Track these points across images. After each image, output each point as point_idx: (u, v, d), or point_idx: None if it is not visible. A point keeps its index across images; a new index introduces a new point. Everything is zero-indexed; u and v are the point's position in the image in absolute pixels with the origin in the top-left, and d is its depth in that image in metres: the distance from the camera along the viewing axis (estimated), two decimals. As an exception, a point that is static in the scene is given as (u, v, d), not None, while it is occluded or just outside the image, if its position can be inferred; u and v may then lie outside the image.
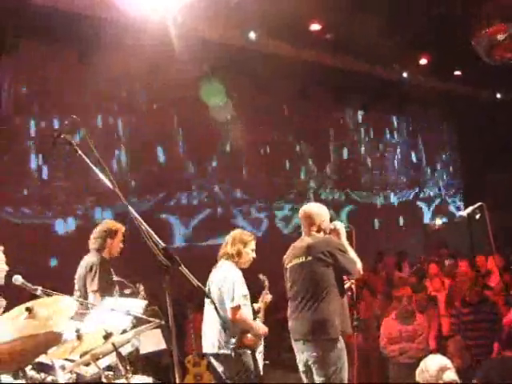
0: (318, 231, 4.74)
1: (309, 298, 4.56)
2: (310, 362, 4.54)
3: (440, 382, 3.70)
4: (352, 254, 4.66)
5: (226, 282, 4.61)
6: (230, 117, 10.58)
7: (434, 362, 3.82)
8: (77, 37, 7.84)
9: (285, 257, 4.86)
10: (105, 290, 4.83)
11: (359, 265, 4.62)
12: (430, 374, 3.75)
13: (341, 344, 4.51)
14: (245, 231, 5.00)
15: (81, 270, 5.08)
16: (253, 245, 4.86)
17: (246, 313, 4.65)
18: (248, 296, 4.72)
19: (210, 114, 10.31)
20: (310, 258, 4.58)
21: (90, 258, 5.11)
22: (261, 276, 5.12)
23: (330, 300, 4.51)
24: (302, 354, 4.60)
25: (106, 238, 5.14)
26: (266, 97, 11.28)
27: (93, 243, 5.17)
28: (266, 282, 5.12)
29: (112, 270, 5.13)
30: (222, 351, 4.58)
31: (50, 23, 7.34)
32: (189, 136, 10.41)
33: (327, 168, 12.86)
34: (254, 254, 4.87)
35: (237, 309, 4.55)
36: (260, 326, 4.76)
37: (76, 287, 5.07)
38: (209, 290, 4.70)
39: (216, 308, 4.57)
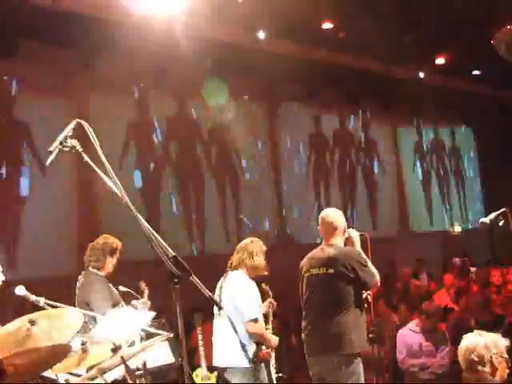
0: (334, 239, 4.71)
1: (327, 311, 4.54)
2: (323, 376, 4.51)
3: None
4: (371, 265, 4.64)
5: (243, 294, 4.61)
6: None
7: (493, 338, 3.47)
8: (81, 39, 7.87)
9: (302, 265, 4.83)
10: (108, 307, 4.72)
11: (377, 277, 4.61)
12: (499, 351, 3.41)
13: (357, 360, 4.48)
14: (260, 241, 4.98)
15: (81, 293, 4.95)
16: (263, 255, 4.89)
17: (262, 325, 4.67)
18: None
19: (212, 113, 10.30)
20: (331, 271, 4.55)
21: (88, 279, 4.98)
22: (263, 285, 5.11)
23: (348, 314, 4.49)
24: (316, 368, 4.58)
25: (106, 255, 5.01)
26: (274, 97, 11.33)
27: (92, 261, 5.01)
28: (270, 292, 5.13)
29: (111, 285, 5.07)
30: (236, 365, 4.57)
31: (54, 25, 7.38)
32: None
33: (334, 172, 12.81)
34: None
35: (255, 321, 4.55)
36: (272, 338, 4.76)
37: (76, 305, 5.00)
38: (220, 301, 4.67)
39: (230, 320, 4.56)
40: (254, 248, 4.84)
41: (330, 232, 4.72)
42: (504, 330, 4.82)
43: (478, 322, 6.80)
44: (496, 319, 6.68)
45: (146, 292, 5.43)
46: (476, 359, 3.36)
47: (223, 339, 4.68)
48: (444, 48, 10.94)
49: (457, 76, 12.64)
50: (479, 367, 3.35)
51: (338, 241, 4.72)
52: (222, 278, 4.84)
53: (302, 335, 4.72)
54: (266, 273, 4.87)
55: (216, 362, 4.78)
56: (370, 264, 4.65)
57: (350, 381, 4.41)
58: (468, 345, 3.44)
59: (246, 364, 4.56)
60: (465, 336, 3.53)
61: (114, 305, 4.84)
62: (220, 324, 4.72)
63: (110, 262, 5.05)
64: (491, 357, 3.34)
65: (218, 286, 4.81)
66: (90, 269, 5.04)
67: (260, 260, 4.80)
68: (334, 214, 4.81)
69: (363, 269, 4.53)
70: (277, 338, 4.82)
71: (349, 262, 4.52)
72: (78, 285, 5.04)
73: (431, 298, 7.69)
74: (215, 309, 4.63)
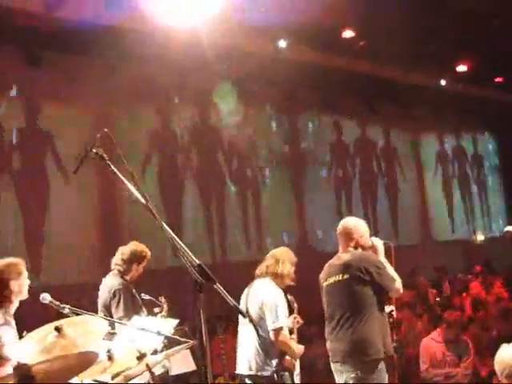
0: (356, 247, 4.68)
1: (347, 317, 4.47)
2: (350, 382, 4.48)
3: None
4: (391, 271, 4.60)
5: (269, 302, 4.58)
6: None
7: None
8: (104, 49, 7.97)
9: (321, 275, 4.81)
10: (131, 314, 4.76)
11: (398, 283, 4.53)
12: None
13: (381, 365, 4.43)
14: (290, 250, 4.97)
15: (104, 295, 5.02)
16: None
17: (287, 334, 4.63)
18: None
19: (221, 116, 10.35)
20: (346, 276, 4.49)
21: (112, 282, 5.03)
22: (288, 296, 5.06)
23: (370, 319, 4.42)
24: (341, 375, 4.54)
25: (133, 262, 5.08)
26: (295, 106, 11.35)
27: (118, 265, 5.09)
28: (295, 304, 5.08)
29: (134, 291, 5.11)
30: (260, 373, 4.55)
31: (77, 36, 7.48)
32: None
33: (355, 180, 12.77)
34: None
35: (280, 330, 4.53)
36: (297, 347, 4.73)
37: (99, 308, 5.05)
38: (247, 308, 4.67)
39: (255, 328, 4.55)
40: (282, 256, 4.83)
41: (347, 240, 4.66)
42: None
43: (499, 333, 6.71)
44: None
45: (165, 307, 5.44)
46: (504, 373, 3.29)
47: (247, 347, 4.67)
48: (465, 55, 10.88)
49: (479, 83, 12.55)
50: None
51: (362, 247, 4.66)
52: (248, 286, 4.85)
53: (327, 343, 4.69)
54: (293, 283, 4.85)
55: (239, 370, 4.76)
56: (390, 270, 4.59)
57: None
58: (498, 358, 3.37)
59: (269, 372, 4.53)
60: (504, 347, 3.46)
61: (135, 310, 4.85)
62: (245, 332, 4.71)
63: (136, 270, 5.11)
64: None
65: (244, 293, 4.80)
66: (116, 272, 5.09)
67: (287, 269, 4.77)
68: (352, 223, 4.76)
69: (379, 272, 4.46)
70: (302, 347, 4.79)
71: (363, 265, 4.46)
72: (101, 287, 5.09)
73: (453, 308, 7.62)
74: (240, 317, 4.61)
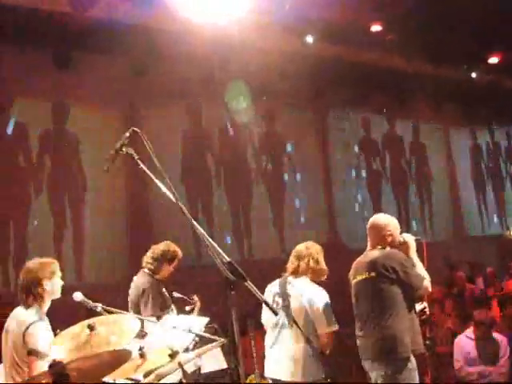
0: (385, 244, 4.64)
1: (375, 315, 4.44)
2: (379, 381, 4.45)
3: None
4: (419, 268, 4.51)
5: (319, 303, 4.51)
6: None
7: None
8: (133, 49, 8.03)
9: (350, 272, 4.75)
10: (159, 312, 4.82)
11: (427, 281, 4.47)
12: None
13: (412, 364, 4.37)
14: (316, 243, 4.91)
15: (133, 292, 5.08)
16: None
17: None
18: None
19: (234, 117, 10.33)
20: (373, 274, 4.46)
21: (142, 280, 5.10)
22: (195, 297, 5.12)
23: (398, 317, 4.37)
24: (372, 373, 4.52)
25: (164, 262, 5.12)
26: (323, 102, 11.29)
27: (149, 263, 5.14)
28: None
29: (164, 289, 5.15)
30: (313, 379, 4.44)
31: (107, 36, 7.55)
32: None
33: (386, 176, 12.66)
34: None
35: (333, 333, 4.49)
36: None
37: (129, 306, 5.10)
38: (289, 310, 4.55)
39: (300, 330, 4.45)
40: (317, 252, 4.77)
41: (376, 237, 4.62)
42: None
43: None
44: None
45: (198, 304, 5.45)
46: None
47: (290, 352, 4.51)
48: (497, 47, 10.69)
49: (511, 75, 12.32)
50: None
51: (390, 245, 4.60)
52: (277, 285, 4.74)
53: (357, 341, 4.67)
54: (326, 277, 4.80)
55: (274, 374, 4.60)
56: (420, 267, 4.53)
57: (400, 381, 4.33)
58: None
59: (321, 376, 4.46)
60: None
61: (163, 309, 4.90)
62: (284, 335, 4.56)
63: (166, 269, 5.15)
64: None
65: (274, 292, 4.69)
66: (146, 270, 5.15)
67: (323, 264, 4.75)
68: (381, 219, 4.70)
69: (406, 270, 4.40)
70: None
71: (389, 263, 4.41)
72: (131, 285, 5.15)
73: (485, 306, 7.51)
74: (272, 318, 4.52)
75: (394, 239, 4.63)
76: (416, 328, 4.49)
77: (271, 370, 4.66)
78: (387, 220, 4.70)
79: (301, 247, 4.82)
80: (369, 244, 4.69)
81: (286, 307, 4.55)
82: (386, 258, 4.47)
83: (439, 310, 7.70)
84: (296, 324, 4.47)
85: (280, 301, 4.59)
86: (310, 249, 4.78)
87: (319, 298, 4.53)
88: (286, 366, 4.52)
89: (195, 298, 5.49)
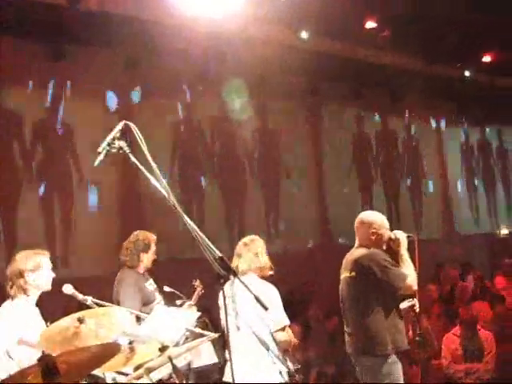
0: (369, 242, 4.64)
1: (354, 314, 4.51)
2: (363, 375, 4.50)
3: None
4: (406, 267, 4.51)
5: (269, 301, 3.95)
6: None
7: None
8: (127, 41, 8.00)
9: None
10: (137, 308, 4.68)
11: (410, 279, 4.45)
12: None
13: (392, 359, 4.40)
14: (260, 239, 4.66)
15: (115, 289, 5.02)
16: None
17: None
18: None
19: (229, 111, 10.31)
20: (353, 274, 4.51)
21: (121, 276, 5.04)
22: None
23: (376, 317, 4.40)
24: (357, 367, 4.58)
25: (140, 252, 5.03)
26: (317, 97, 11.29)
27: (126, 260, 5.05)
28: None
29: (152, 281, 5.11)
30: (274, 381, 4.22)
31: (100, 28, 7.52)
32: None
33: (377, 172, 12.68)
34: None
35: (285, 329, 4.33)
36: (294, 340, 4.54)
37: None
38: (236, 311, 4.27)
39: (254, 331, 4.25)
40: (257, 247, 4.53)
41: (363, 234, 4.63)
42: None
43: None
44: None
45: (198, 291, 5.37)
46: None
47: (249, 354, 4.23)
48: (491, 45, 10.72)
49: (504, 74, 12.36)
50: None
51: (374, 243, 4.61)
52: (227, 286, 3.93)
53: (345, 335, 4.72)
54: (271, 272, 4.55)
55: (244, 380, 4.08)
56: (408, 266, 4.51)
57: (386, 381, 4.35)
58: None
59: (283, 379, 4.28)
60: None
61: (145, 304, 4.85)
62: (241, 337, 4.23)
63: (146, 258, 5.06)
64: None
65: (228, 294, 4.11)
66: (125, 266, 5.08)
67: (265, 259, 4.52)
68: (368, 217, 4.70)
69: (385, 270, 4.41)
70: (297, 341, 4.59)
71: (368, 264, 4.43)
72: (115, 282, 5.09)
73: (470, 304, 7.58)
74: (233, 321, 4.22)
75: (381, 237, 4.62)
76: (398, 327, 4.49)
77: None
78: (373, 218, 4.69)
79: (239, 244, 4.62)
80: (356, 241, 4.71)
81: (235, 309, 4.28)
82: (365, 258, 4.49)
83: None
84: (246, 325, 4.26)
85: (230, 302, 4.24)
86: (248, 245, 4.55)
87: (266, 295, 4.05)
88: (242, 369, 4.10)
89: (197, 282, 5.41)
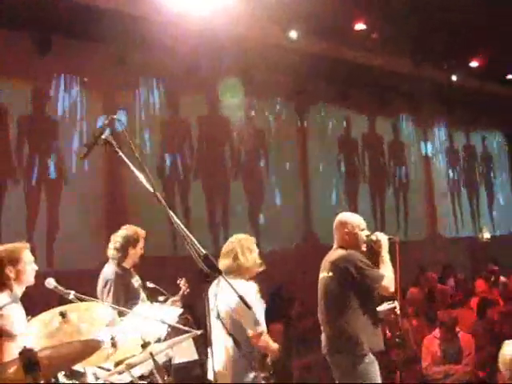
0: (345, 243, 4.67)
1: (329, 314, 4.55)
2: (338, 376, 4.53)
3: None
4: (385, 268, 4.54)
5: (242, 305, 3.75)
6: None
7: None
8: (115, 36, 7.96)
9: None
10: (122, 303, 4.63)
11: (386, 281, 4.48)
12: None
13: (369, 359, 4.43)
14: (244, 236, 4.51)
15: (99, 283, 4.98)
16: (256, 249, 4.45)
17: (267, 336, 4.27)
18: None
19: (224, 111, 10.32)
20: (330, 274, 4.54)
21: (107, 270, 5.00)
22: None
23: (353, 317, 4.44)
24: (332, 367, 4.60)
25: (128, 247, 4.98)
26: (304, 97, 11.31)
27: (113, 254, 5.01)
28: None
29: (138, 277, 5.09)
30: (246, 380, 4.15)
31: (88, 22, 7.48)
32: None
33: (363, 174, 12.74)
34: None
35: (262, 334, 4.18)
36: (275, 346, 4.35)
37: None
38: (217, 310, 4.22)
39: (231, 333, 4.16)
40: (239, 247, 4.35)
41: (340, 234, 4.67)
42: None
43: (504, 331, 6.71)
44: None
45: (183, 290, 5.31)
46: None
47: (223, 354, 4.18)
48: (478, 51, 10.81)
49: (491, 80, 12.47)
50: None
51: (350, 244, 4.65)
52: (214, 285, 4.15)
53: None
54: (262, 268, 4.40)
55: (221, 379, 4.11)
56: (387, 268, 4.54)
57: (360, 381, 4.37)
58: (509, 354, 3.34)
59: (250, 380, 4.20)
60: (507, 343, 3.44)
61: (127, 300, 4.80)
62: (220, 336, 4.17)
63: (134, 254, 5.02)
64: None
65: (212, 293, 4.14)
66: (112, 260, 5.03)
67: (250, 257, 4.34)
68: (344, 217, 4.74)
69: (361, 272, 4.44)
70: (277, 346, 4.37)
71: (345, 265, 4.47)
72: (100, 276, 5.04)
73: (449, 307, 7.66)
74: (213, 316, 4.16)
75: (356, 238, 4.65)
76: (373, 328, 4.52)
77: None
78: (348, 219, 4.73)
79: (225, 244, 4.48)
80: (334, 242, 4.74)
81: (216, 310, 4.22)
82: (342, 260, 4.53)
83: (412, 310, 7.80)
84: (225, 327, 4.18)
85: (214, 302, 4.18)
86: (229, 245, 4.41)
87: (248, 297, 3.80)
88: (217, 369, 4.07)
89: (182, 281, 5.36)
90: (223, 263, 4.30)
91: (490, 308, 7.70)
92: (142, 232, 5.08)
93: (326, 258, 4.72)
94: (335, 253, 4.63)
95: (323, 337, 4.62)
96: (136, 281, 5.08)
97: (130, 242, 4.99)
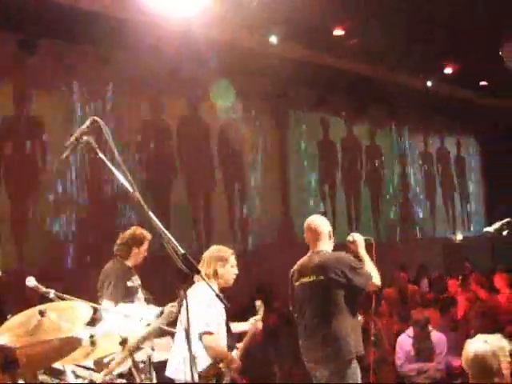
0: (326, 245, 4.67)
1: (320, 319, 4.47)
2: (323, 381, 4.48)
3: None
4: (369, 266, 4.56)
5: (201, 304, 4.00)
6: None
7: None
8: (99, 37, 7.92)
9: (292, 274, 4.71)
10: (119, 299, 4.76)
11: (375, 278, 4.52)
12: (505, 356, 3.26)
13: (354, 363, 4.43)
14: (222, 247, 4.53)
15: (100, 277, 5.08)
16: (233, 260, 4.43)
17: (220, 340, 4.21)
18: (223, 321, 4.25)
19: (218, 113, 10.32)
20: (322, 278, 4.47)
21: (109, 266, 5.13)
22: (258, 303, 4.67)
23: (344, 320, 4.42)
24: (316, 373, 4.53)
25: (132, 246, 5.14)
26: (284, 101, 11.34)
27: (117, 249, 5.17)
28: (261, 311, 4.61)
29: (137, 277, 5.14)
30: (181, 379, 4.06)
31: (74, 23, 7.43)
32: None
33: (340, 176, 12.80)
34: (235, 270, 4.42)
35: (209, 334, 4.07)
36: (234, 359, 4.24)
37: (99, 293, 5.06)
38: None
39: (185, 330, 3.88)
40: (215, 258, 4.39)
41: (316, 238, 4.64)
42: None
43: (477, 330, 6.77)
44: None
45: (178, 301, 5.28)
46: (485, 367, 3.28)
47: (179, 351, 4.12)
48: (452, 58, 10.92)
49: (464, 86, 12.62)
50: (489, 375, 3.28)
51: (325, 247, 4.64)
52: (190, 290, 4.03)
53: (299, 341, 4.64)
54: (231, 282, 4.42)
55: (167, 372, 4.25)
56: (369, 265, 4.57)
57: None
58: (475, 352, 3.35)
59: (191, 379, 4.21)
60: (470, 341, 3.45)
61: (124, 298, 4.85)
62: (179, 333, 4.18)
63: (136, 253, 5.15)
64: (500, 364, 3.27)
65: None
66: (115, 257, 5.17)
67: (229, 268, 4.38)
68: (318, 221, 4.73)
69: (355, 272, 4.45)
70: (239, 362, 4.26)
71: (339, 268, 4.44)
72: (102, 271, 5.12)
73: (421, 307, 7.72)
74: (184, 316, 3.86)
75: (331, 239, 4.68)
76: (358, 330, 4.53)
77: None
78: (320, 221, 4.74)
79: (208, 251, 4.51)
80: (310, 246, 4.69)
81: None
82: (335, 262, 4.49)
83: (387, 309, 7.85)
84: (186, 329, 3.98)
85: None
86: (208, 254, 4.44)
87: (201, 298, 3.99)
88: (172, 363, 4.24)
89: (182, 292, 5.28)
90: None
91: (455, 307, 7.80)
92: (148, 235, 5.19)
93: (304, 262, 4.64)
94: (322, 255, 4.57)
95: (307, 344, 4.53)
96: (135, 280, 5.14)
97: (135, 242, 5.14)
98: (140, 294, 5.06)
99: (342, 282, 4.42)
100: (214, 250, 4.48)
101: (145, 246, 5.18)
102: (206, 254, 4.44)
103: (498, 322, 6.92)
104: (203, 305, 4.05)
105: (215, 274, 4.33)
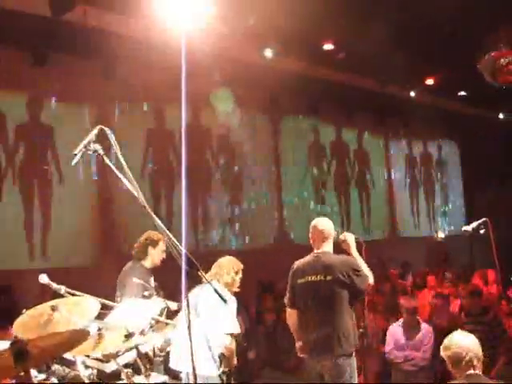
0: (330, 246, 4.69)
1: (324, 315, 4.50)
2: (323, 374, 4.48)
3: None
4: (365, 268, 4.61)
5: (226, 307, 4.14)
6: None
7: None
8: (104, 52, 7.93)
9: (294, 272, 4.73)
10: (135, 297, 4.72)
11: (371, 279, 4.58)
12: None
13: (353, 356, 4.50)
14: (233, 260, 4.79)
15: (119, 276, 5.12)
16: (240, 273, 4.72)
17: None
18: None
19: (219, 119, 10.31)
20: (329, 278, 4.50)
21: (128, 265, 5.17)
22: None
23: (345, 318, 4.47)
24: (316, 367, 4.52)
25: (148, 247, 5.16)
26: (278, 110, 11.36)
27: (135, 252, 5.21)
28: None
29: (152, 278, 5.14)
30: (207, 373, 4.21)
31: (81, 39, 7.43)
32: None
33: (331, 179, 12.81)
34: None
35: (231, 335, 4.35)
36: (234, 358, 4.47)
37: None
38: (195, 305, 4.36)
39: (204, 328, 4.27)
40: (226, 267, 4.67)
41: (322, 239, 4.67)
42: None
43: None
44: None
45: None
46: (463, 360, 3.34)
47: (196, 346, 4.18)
48: (433, 70, 10.97)
49: (444, 96, 12.68)
50: (466, 367, 3.34)
51: (329, 248, 4.69)
52: (197, 287, 4.39)
53: (303, 336, 4.65)
54: (237, 290, 4.68)
55: (180, 367, 4.36)
56: (364, 267, 4.62)
57: (346, 375, 4.39)
58: (453, 346, 3.41)
59: (215, 372, 4.30)
60: (449, 336, 3.51)
61: (141, 296, 4.77)
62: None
63: (152, 254, 5.18)
64: (477, 356, 3.34)
65: (194, 293, 4.36)
66: (134, 258, 5.21)
67: (231, 278, 4.64)
68: (324, 223, 4.76)
69: (358, 275, 4.51)
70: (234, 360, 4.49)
71: (345, 270, 4.50)
72: (121, 272, 5.16)
73: (410, 295, 7.74)
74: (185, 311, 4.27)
75: (332, 241, 4.73)
76: (355, 327, 4.58)
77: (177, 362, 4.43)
78: (327, 223, 4.77)
79: (219, 260, 4.78)
80: (315, 246, 4.71)
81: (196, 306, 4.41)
82: (342, 264, 4.54)
83: (379, 302, 7.88)
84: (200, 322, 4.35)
85: (194, 300, 4.40)
86: (221, 261, 4.75)
87: (226, 302, 4.06)
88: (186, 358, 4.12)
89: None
90: (212, 271, 4.61)
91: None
92: (161, 236, 5.16)
93: (308, 261, 4.66)
94: (328, 256, 4.61)
95: (309, 339, 4.54)
96: (152, 281, 5.15)
97: (150, 242, 5.17)
98: (154, 294, 5.00)
99: (346, 282, 4.48)
100: (233, 260, 4.76)
101: (161, 247, 5.18)
102: (226, 262, 4.70)
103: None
104: (230, 311, 4.29)
105: (224, 281, 4.59)
